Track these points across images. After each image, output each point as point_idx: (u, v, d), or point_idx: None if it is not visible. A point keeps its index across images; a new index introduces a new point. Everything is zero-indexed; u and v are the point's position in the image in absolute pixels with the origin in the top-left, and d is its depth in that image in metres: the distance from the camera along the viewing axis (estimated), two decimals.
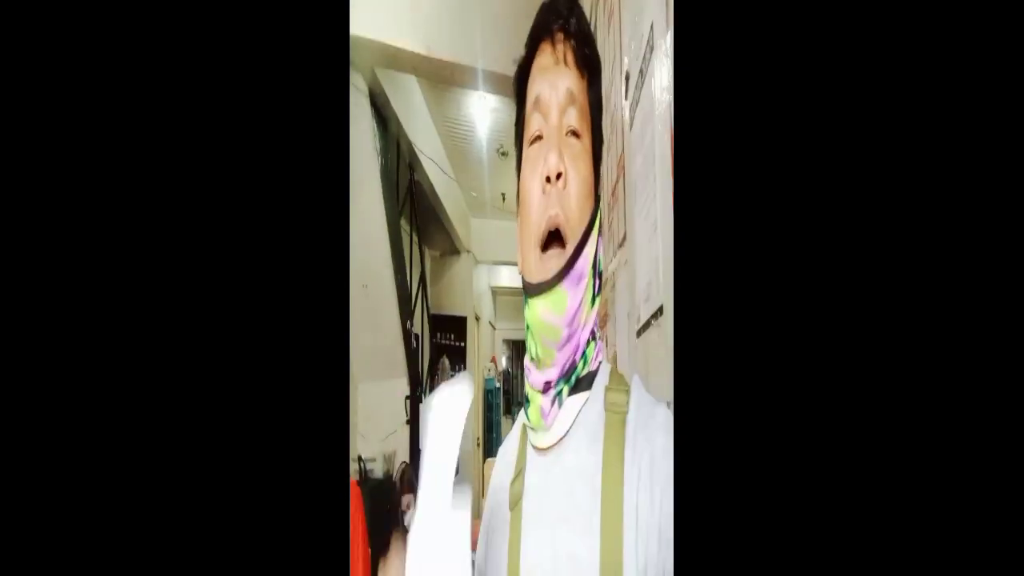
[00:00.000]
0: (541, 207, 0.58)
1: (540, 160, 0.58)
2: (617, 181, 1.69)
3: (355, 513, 1.03)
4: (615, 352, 1.59)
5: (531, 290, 0.58)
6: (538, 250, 0.58)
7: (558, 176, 0.57)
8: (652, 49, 1.17)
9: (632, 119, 1.41)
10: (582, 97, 0.60)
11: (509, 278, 7.49)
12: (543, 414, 0.59)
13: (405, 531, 0.48)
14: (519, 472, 0.61)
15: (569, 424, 0.58)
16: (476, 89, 3.90)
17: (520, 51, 0.64)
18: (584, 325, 0.59)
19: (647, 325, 1.14)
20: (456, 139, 4.98)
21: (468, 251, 6.17)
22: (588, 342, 0.61)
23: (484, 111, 4.59)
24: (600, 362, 0.63)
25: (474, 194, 5.84)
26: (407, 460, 3.87)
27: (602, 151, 0.64)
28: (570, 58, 0.60)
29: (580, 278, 0.58)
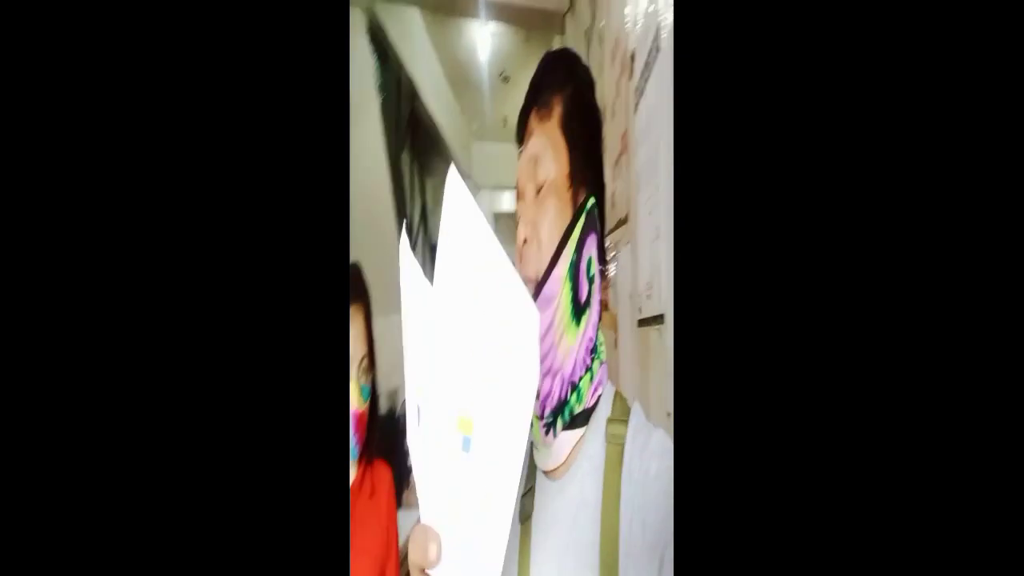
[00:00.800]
0: (518, 264, 0.63)
1: (519, 228, 0.64)
2: (621, 154, 1.71)
3: (385, 489, 1.10)
4: (615, 328, 1.67)
5: None
6: None
7: (524, 241, 0.62)
8: (659, 50, 1.18)
9: (637, 104, 1.42)
10: (562, 139, 0.63)
11: (510, 202, 7.46)
12: (541, 435, 0.62)
13: (410, 471, 0.48)
14: (529, 488, 0.65)
15: (565, 454, 0.62)
16: (477, 17, 3.78)
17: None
18: (562, 347, 0.60)
19: (648, 322, 1.22)
20: (458, 67, 4.85)
21: (469, 177, 6.13)
22: (581, 376, 0.61)
23: (485, 36, 4.46)
24: (599, 396, 0.63)
25: (475, 127, 5.76)
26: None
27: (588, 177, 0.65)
28: (556, 116, 0.64)
29: (549, 301, 0.59)
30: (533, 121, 0.65)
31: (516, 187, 0.66)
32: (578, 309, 0.61)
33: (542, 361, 0.58)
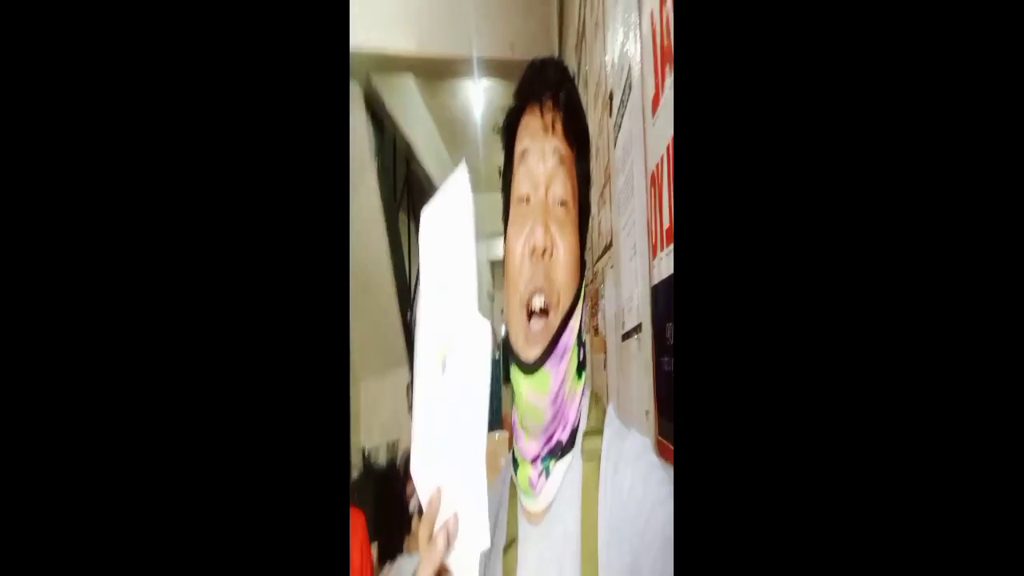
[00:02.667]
0: (528, 274, 0.59)
1: (527, 226, 0.60)
2: (605, 185, 1.83)
3: (359, 535, 1.08)
4: (604, 350, 1.75)
5: (517, 363, 0.59)
6: (524, 318, 0.59)
7: (544, 252, 0.58)
8: (631, 87, 1.30)
9: (616, 138, 1.54)
10: (570, 169, 0.61)
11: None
12: (531, 483, 0.60)
13: (410, 518, 0.54)
14: (511, 541, 0.62)
15: (556, 490, 0.59)
16: (471, 77, 3.96)
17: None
18: (569, 397, 0.60)
19: (629, 335, 1.30)
20: (452, 124, 5.06)
21: None
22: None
23: (478, 93, 4.66)
24: (582, 410, 0.62)
25: (470, 178, 5.97)
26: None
27: (588, 221, 0.64)
28: (559, 128, 0.61)
29: (563, 354, 0.59)
30: (555, 116, 0.61)
31: (526, 157, 0.61)
32: (577, 365, 0.62)
33: (557, 411, 0.59)
